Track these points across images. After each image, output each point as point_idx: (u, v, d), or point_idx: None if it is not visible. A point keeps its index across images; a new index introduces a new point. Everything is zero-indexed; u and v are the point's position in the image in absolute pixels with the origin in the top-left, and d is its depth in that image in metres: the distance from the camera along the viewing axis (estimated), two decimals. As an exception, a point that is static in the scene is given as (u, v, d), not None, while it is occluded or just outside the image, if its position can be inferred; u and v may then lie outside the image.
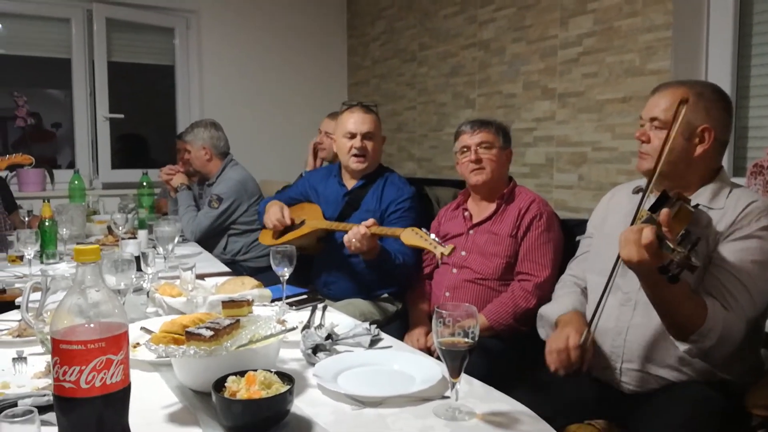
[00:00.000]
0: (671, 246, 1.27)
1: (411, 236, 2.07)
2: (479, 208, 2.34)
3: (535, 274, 2.16)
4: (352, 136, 2.51)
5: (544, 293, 2.10)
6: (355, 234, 2.13)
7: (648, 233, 1.30)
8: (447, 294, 2.28)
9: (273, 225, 2.60)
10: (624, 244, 1.36)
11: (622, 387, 1.62)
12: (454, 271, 2.29)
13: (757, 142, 2.58)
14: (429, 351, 2.05)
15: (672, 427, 1.39)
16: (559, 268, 2.17)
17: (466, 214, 2.35)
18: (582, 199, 3.08)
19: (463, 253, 2.29)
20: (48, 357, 1.36)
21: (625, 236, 1.36)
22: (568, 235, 2.28)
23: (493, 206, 2.29)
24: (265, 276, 2.36)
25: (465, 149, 2.30)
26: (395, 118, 4.55)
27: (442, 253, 1.96)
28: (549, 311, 1.82)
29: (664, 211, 1.33)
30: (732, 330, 1.42)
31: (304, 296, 2.08)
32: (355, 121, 2.52)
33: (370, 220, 2.16)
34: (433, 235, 2.02)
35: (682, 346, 1.44)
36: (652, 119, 1.62)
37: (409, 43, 4.38)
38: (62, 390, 0.92)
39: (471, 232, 2.31)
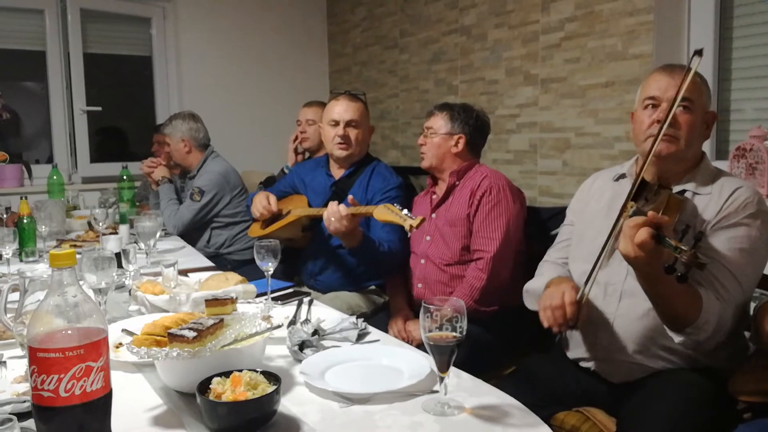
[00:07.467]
0: (673, 244, 1.24)
1: (383, 212, 2.06)
2: (440, 190, 2.36)
3: (485, 249, 2.16)
4: (336, 123, 2.50)
5: (495, 267, 2.13)
6: (333, 212, 2.10)
7: (642, 233, 1.28)
8: (419, 286, 2.28)
9: (260, 213, 2.58)
10: (622, 239, 1.35)
11: (609, 377, 1.62)
12: (422, 261, 2.30)
13: (738, 125, 2.59)
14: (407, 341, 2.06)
15: (661, 415, 1.39)
16: (518, 242, 2.21)
17: (434, 196, 2.37)
18: (566, 184, 3.07)
19: (428, 238, 2.30)
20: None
21: (623, 231, 1.35)
22: (551, 224, 2.29)
23: (449, 185, 2.31)
24: (250, 268, 2.34)
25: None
26: (378, 106, 4.51)
27: (411, 226, 1.95)
28: (535, 285, 1.79)
29: (651, 213, 1.32)
30: (725, 320, 1.42)
31: (290, 290, 2.06)
32: (339, 109, 2.51)
33: (348, 198, 2.15)
34: (405, 210, 2.01)
35: (677, 338, 1.44)
36: (684, 100, 1.51)
37: (391, 30, 4.34)
38: (41, 399, 0.89)
39: (434, 215, 2.32)
